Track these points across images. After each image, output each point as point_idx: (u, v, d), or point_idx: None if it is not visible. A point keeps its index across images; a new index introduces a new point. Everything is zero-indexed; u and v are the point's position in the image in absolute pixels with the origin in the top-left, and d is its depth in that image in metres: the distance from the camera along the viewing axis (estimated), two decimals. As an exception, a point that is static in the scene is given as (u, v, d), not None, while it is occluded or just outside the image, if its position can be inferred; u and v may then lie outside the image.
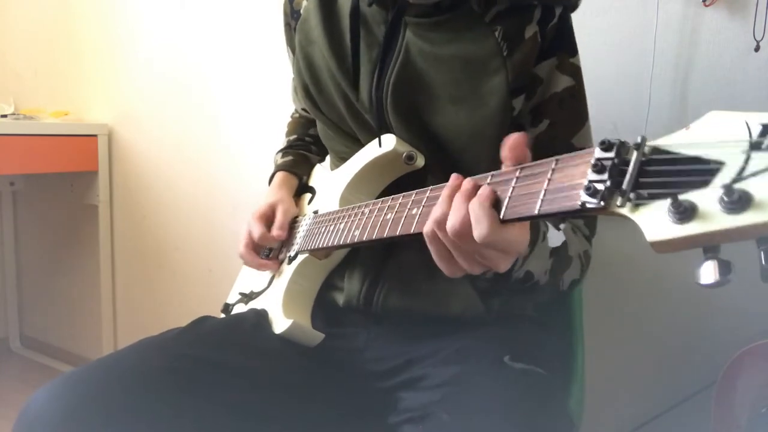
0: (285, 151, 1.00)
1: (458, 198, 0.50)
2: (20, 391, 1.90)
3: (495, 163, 0.73)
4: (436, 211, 0.51)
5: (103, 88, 1.92)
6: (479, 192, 0.49)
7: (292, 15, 0.87)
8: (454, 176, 0.53)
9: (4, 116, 1.82)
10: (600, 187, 0.38)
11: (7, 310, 2.24)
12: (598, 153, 0.39)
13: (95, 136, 1.84)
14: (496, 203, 0.47)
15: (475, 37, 0.73)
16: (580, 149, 0.73)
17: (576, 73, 0.76)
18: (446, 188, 0.52)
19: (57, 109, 1.93)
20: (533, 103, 0.75)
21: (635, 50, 1.11)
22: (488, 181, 0.49)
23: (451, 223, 0.49)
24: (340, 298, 0.80)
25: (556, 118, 0.75)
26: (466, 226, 0.48)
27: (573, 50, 0.76)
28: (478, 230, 0.47)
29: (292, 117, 1.10)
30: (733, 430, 0.93)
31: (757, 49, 1.01)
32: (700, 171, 0.33)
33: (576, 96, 0.76)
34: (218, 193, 1.70)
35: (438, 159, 0.75)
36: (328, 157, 0.98)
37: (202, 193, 1.73)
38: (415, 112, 0.75)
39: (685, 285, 1.12)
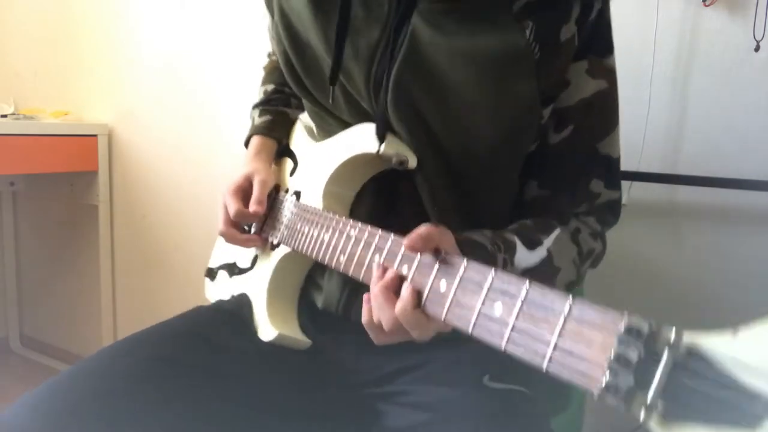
0: (263, 109, 0.90)
1: (384, 297, 0.54)
2: (20, 391, 1.89)
3: (503, 182, 0.70)
4: (377, 317, 0.55)
5: (103, 88, 1.92)
6: (402, 294, 0.52)
7: None
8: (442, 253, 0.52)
9: (4, 116, 1.82)
10: (622, 385, 0.33)
11: (7, 310, 2.24)
12: (623, 335, 0.34)
13: (95, 136, 1.84)
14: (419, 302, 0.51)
15: (499, 31, 0.61)
16: (605, 156, 0.70)
17: (609, 74, 0.67)
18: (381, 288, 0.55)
19: (57, 109, 1.93)
20: (558, 107, 0.67)
21: (635, 50, 1.11)
22: (489, 284, 0.45)
23: (386, 325, 0.54)
24: (318, 300, 0.76)
25: (582, 123, 0.68)
26: (398, 326, 0.53)
27: (608, 50, 0.67)
28: (416, 333, 0.52)
29: (269, 59, 0.98)
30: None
31: (757, 49, 1.01)
32: (746, 410, 0.28)
33: (607, 99, 0.68)
34: (218, 193, 1.69)
35: (440, 166, 0.67)
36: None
37: (202, 192, 1.73)
38: (419, 115, 0.65)
39: (684, 285, 1.12)
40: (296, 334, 0.74)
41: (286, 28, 0.72)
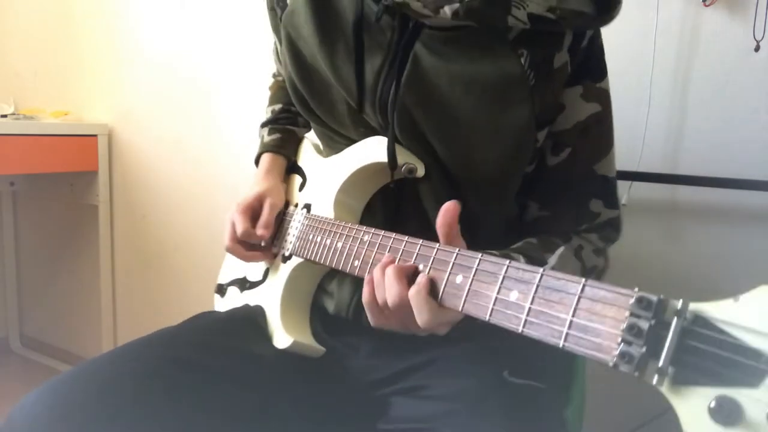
0: (271, 127, 0.93)
1: (396, 278, 0.55)
2: (20, 391, 1.89)
3: (502, 200, 0.73)
4: (381, 297, 0.56)
5: (103, 88, 1.92)
6: (418, 280, 0.53)
7: (277, 2, 0.79)
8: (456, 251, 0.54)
9: (4, 116, 1.82)
10: (635, 353, 0.35)
11: (7, 310, 2.24)
12: (633, 307, 0.36)
13: (95, 136, 1.84)
14: (433, 292, 0.53)
15: (496, 59, 0.65)
16: (602, 177, 0.72)
17: (603, 97, 0.70)
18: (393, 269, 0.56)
19: (57, 109, 1.93)
20: (554, 130, 0.70)
21: (635, 50, 1.11)
22: (504, 273, 0.48)
23: (391, 302, 0.54)
24: (330, 305, 0.78)
25: (579, 146, 0.70)
26: (407, 308, 0.54)
27: (601, 74, 0.70)
28: (420, 319, 0.53)
29: (275, 79, 1.01)
30: (733, 430, 0.92)
31: (757, 49, 1.01)
32: (749, 367, 0.30)
33: (602, 122, 0.71)
34: (219, 193, 1.69)
35: (444, 182, 0.71)
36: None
37: (202, 192, 1.73)
38: (422, 134, 0.69)
39: (685, 284, 1.12)
40: (311, 342, 0.75)
41: (294, 56, 0.75)
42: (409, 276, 0.55)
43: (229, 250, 0.82)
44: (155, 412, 0.61)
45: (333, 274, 0.79)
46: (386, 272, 0.56)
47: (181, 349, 0.68)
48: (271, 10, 0.81)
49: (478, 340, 0.72)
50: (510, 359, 0.69)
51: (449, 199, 0.70)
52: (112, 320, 1.96)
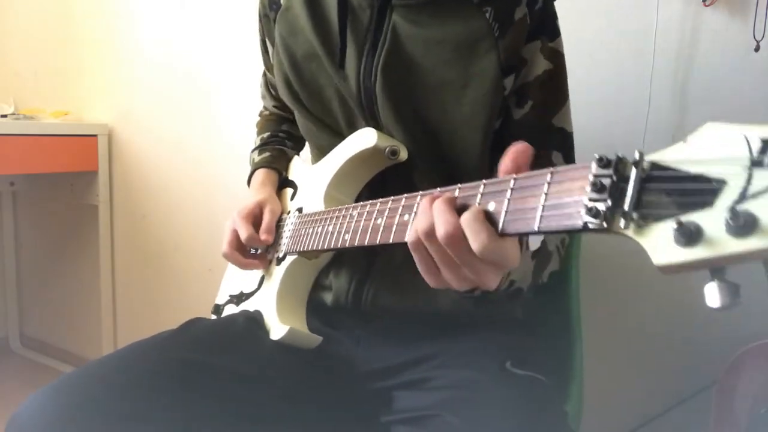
0: (261, 149, 0.98)
1: (444, 207, 0.48)
2: (20, 391, 1.90)
3: (484, 155, 0.75)
4: (422, 222, 0.49)
5: (102, 88, 1.92)
6: (471, 207, 0.47)
7: (270, 6, 0.86)
8: (438, 190, 0.51)
9: (4, 116, 1.82)
10: (601, 207, 0.37)
11: (7, 310, 2.24)
12: (595, 169, 0.38)
13: (95, 136, 1.84)
14: (489, 215, 0.46)
15: (464, 18, 0.73)
16: (560, 129, 0.76)
17: (555, 56, 0.76)
18: (428, 197, 0.50)
19: (57, 109, 1.93)
20: (519, 84, 0.76)
21: (635, 50, 1.11)
22: (481, 191, 0.47)
23: (442, 231, 0.47)
24: (328, 297, 0.80)
25: (538, 99, 0.76)
26: (458, 234, 0.46)
27: (555, 34, 0.77)
28: (477, 242, 0.45)
29: (261, 115, 1.08)
30: (733, 430, 0.93)
31: (757, 49, 1.02)
32: (703, 190, 0.32)
33: (555, 78, 0.76)
34: (218, 193, 1.69)
35: (427, 148, 0.75)
36: (305, 151, 0.97)
37: (202, 193, 1.73)
38: (404, 98, 0.74)
39: (684, 285, 1.12)
40: (306, 330, 0.76)
41: (286, 51, 0.82)
42: (458, 208, 0.49)
43: (227, 256, 0.83)
44: (161, 412, 0.62)
45: (329, 269, 0.80)
46: (436, 205, 0.49)
47: (184, 350, 0.69)
48: (264, 17, 0.88)
49: (479, 336, 0.73)
50: (512, 352, 0.71)
51: (438, 177, 0.73)
52: (112, 320, 1.96)
